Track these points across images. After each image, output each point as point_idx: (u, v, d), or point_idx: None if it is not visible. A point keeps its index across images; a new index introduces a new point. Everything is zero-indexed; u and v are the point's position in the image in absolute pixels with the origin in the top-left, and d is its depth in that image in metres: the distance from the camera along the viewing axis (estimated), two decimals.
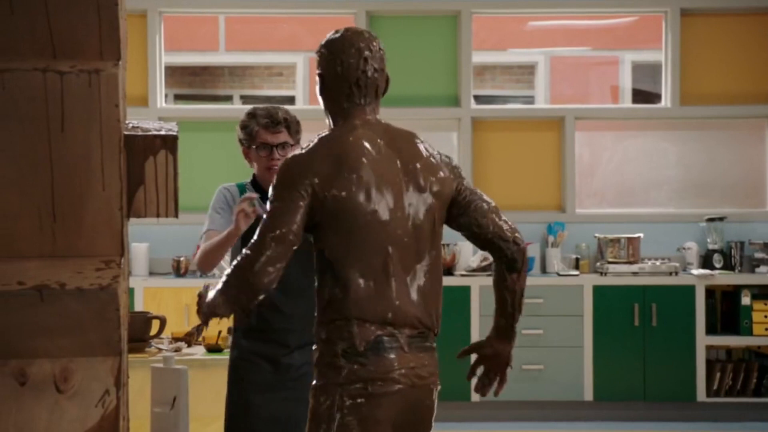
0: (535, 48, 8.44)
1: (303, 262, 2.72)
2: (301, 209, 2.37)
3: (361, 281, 2.40)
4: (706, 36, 6.87)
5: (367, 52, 2.49)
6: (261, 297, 2.38)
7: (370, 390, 2.38)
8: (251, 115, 3.34)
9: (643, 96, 7.94)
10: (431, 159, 2.52)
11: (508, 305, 2.59)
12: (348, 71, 2.48)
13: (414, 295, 2.46)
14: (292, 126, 3.33)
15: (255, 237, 2.38)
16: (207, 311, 2.44)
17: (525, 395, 6.24)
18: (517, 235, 2.54)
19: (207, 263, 3.30)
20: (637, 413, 6.24)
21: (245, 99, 9.04)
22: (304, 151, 2.47)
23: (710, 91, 6.87)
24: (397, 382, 2.40)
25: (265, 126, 3.29)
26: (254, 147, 3.33)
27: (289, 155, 2.51)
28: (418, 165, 2.48)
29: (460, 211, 2.54)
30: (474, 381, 2.72)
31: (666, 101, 6.87)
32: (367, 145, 2.44)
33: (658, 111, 6.94)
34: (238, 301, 2.38)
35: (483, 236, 2.54)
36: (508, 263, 2.54)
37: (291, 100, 8.76)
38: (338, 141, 2.46)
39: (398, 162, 2.47)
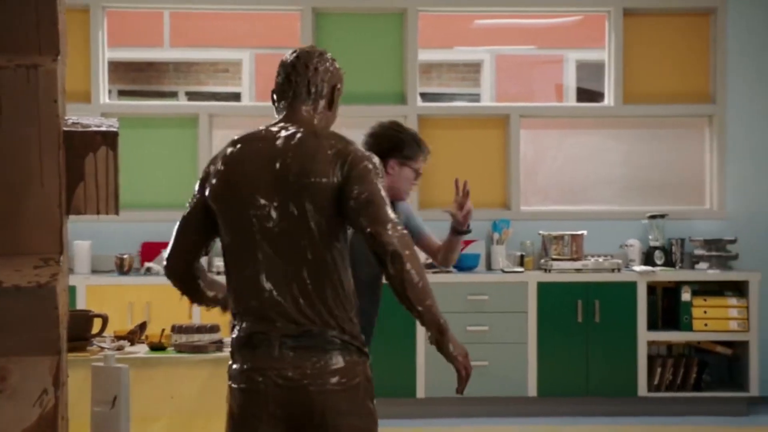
0: (481, 46, 8.49)
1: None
2: (198, 211, 2.61)
3: (241, 277, 2.52)
4: (649, 36, 6.97)
5: (298, 55, 2.65)
6: (179, 283, 2.71)
7: (239, 385, 2.50)
8: (417, 143, 3.78)
9: (587, 95, 8.03)
10: (323, 158, 2.47)
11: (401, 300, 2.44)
12: (279, 73, 2.67)
13: (295, 292, 2.45)
14: None
15: None
16: None
17: (470, 391, 6.26)
18: (378, 228, 2.37)
19: None
20: (580, 408, 6.31)
21: (190, 95, 8.97)
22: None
23: (652, 90, 6.97)
24: (255, 381, 2.46)
25: (425, 159, 3.83)
26: (409, 168, 3.77)
27: None
28: (300, 164, 2.46)
29: (341, 204, 2.45)
30: None
31: (609, 100, 6.96)
32: (252, 144, 2.55)
33: (601, 110, 7.02)
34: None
35: (354, 228, 2.48)
36: (374, 257, 2.43)
37: (237, 96, 8.71)
38: (234, 142, 2.60)
39: (278, 161, 2.49)
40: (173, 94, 9.06)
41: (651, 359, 6.35)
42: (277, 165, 2.48)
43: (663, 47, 6.96)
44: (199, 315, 5.99)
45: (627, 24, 6.92)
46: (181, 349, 3.92)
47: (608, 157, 7.02)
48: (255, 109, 7.08)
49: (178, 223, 2.67)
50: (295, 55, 2.65)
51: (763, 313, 6.57)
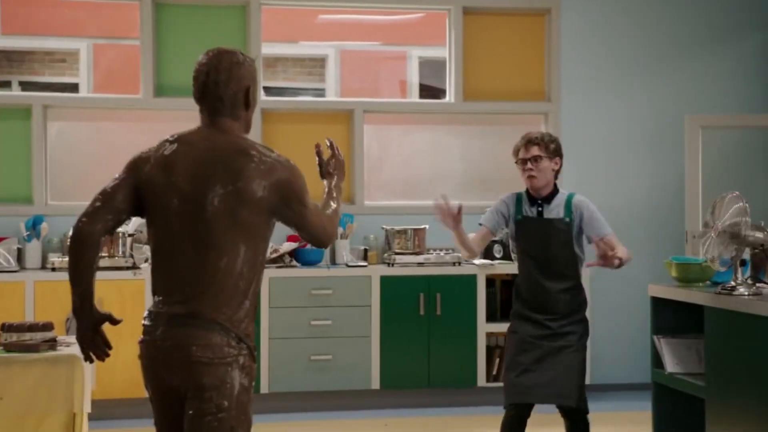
0: (326, 41, 8.51)
1: None
2: (126, 186, 2.81)
3: (156, 260, 2.81)
4: (488, 34, 7.14)
5: (208, 72, 2.84)
6: (86, 245, 2.74)
7: (140, 353, 2.82)
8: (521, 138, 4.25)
9: (429, 91, 8.16)
10: (248, 172, 2.74)
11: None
12: (194, 83, 2.89)
13: (192, 281, 2.72)
14: (544, 143, 4.17)
15: None
16: None
17: (313, 385, 6.29)
18: (314, 241, 2.94)
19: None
20: (422, 400, 6.41)
21: (24, 86, 8.64)
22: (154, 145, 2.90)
23: (491, 87, 7.14)
24: (146, 350, 2.79)
25: (520, 147, 4.21)
26: (516, 162, 4.22)
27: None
28: (228, 170, 2.73)
29: (289, 223, 2.87)
30: None
31: (450, 96, 7.09)
32: (183, 147, 2.80)
33: (442, 106, 7.15)
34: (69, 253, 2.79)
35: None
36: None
37: (75, 87, 8.45)
38: (169, 140, 2.85)
39: (207, 165, 2.75)
40: (6, 84, 8.70)
41: (489, 350, 6.52)
42: (205, 172, 2.73)
43: (501, 46, 7.15)
44: (33, 313, 5.78)
45: (467, 22, 7.07)
46: (11, 348, 3.78)
47: (450, 152, 7.16)
48: (93, 100, 6.89)
49: (100, 192, 2.80)
50: (205, 71, 2.84)
51: (593, 302, 6.84)
